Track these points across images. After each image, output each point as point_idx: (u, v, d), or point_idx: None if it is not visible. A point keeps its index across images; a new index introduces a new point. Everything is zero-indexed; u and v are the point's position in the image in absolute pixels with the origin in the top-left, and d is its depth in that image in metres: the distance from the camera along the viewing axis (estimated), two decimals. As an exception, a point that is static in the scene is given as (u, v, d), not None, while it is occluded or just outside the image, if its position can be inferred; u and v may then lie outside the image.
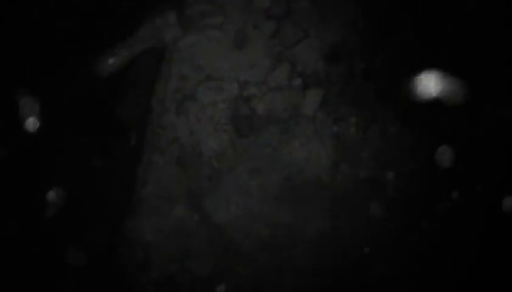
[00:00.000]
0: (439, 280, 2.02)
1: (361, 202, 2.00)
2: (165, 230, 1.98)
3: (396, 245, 2.01)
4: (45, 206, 1.91)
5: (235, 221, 1.98)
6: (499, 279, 2.00)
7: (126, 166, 1.99)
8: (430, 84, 1.90)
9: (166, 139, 1.98)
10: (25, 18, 1.93)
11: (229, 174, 1.98)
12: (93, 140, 1.97)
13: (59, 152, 1.95)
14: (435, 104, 1.92)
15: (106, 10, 1.93)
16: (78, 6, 1.92)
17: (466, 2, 2.00)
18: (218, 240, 1.98)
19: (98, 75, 1.90)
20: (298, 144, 1.99)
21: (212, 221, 1.98)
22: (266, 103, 1.98)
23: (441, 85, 1.88)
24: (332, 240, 2.00)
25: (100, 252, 1.97)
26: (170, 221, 1.98)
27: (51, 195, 1.89)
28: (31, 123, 1.85)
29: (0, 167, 1.93)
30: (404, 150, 2.00)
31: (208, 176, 1.98)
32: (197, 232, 1.98)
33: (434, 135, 2.01)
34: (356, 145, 2.00)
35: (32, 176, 1.95)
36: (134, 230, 1.97)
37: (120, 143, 1.98)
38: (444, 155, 1.95)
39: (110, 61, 1.89)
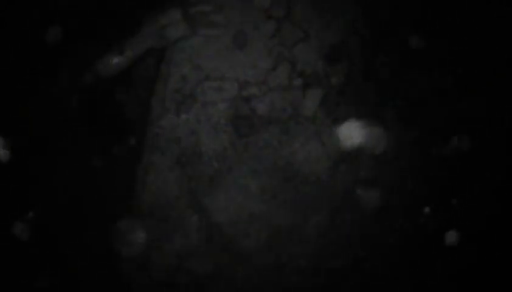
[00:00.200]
0: (440, 280, 2.02)
1: (361, 202, 2.00)
2: (165, 230, 1.98)
3: (396, 245, 2.01)
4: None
5: (235, 221, 1.98)
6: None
7: (126, 166, 1.98)
8: (352, 131, 1.93)
9: (166, 139, 1.98)
10: (24, 17, 1.93)
11: (229, 174, 1.98)
12: (93, 140, 1.97)
13: (59, 152, 1.95)
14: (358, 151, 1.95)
15: (107, 8, 1.93)
16: (78, 5, 1.92)
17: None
18: (218, 240, 1.98)
19: (101, 75, 1.89)
20: (298, 144, 1.99)
21: (212, 221, 1.98)
22: (266, 103, 1.98)
23: (363, 133, 1.92)
24: (332, 240, 2.00)
25: (99, 252, 1.96)
26: (170, 221, 1.98)
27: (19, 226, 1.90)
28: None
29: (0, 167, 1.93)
30: (404, 150, 2.00)
31: (208, 176, 1.98)
32: (197, 232, 1.98)
33: (434, 136, 2.01)
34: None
35: (32, 175, 1.95)
36: (134, 230, 1.97)
37: (120, 143, 1.98)
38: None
39: (114, 60, 1.88)
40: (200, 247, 1.98)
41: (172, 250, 1.98)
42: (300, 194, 1.98)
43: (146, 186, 1.98)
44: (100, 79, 1.90)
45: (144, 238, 1.97)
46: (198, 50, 1.98)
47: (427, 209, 1.97)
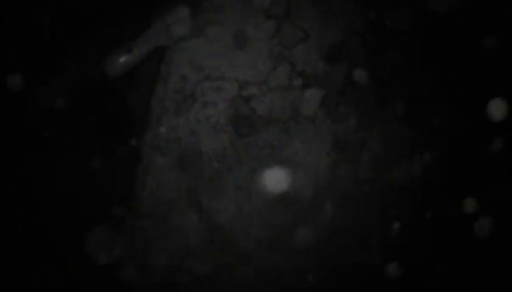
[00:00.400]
0: (440, 279, 2.03)
1: (361, 202, 2.00)
2: (165, 230, 1.98)
3: (396, 245, 2.01)
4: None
5: (235, 221, 1.98)
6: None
7: (126, 166, 1.98)
8: (275, 179, 1.95)
9: (166, 139, 1.98)
10: (26, 16, 1.92)
11: (229, 174, 1.98)
12: (93, 140, 1.97)
13: (59, 152, 1.95)
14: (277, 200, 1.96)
15: (114, 7, 1.92)
16: (87, 2, 1.91)
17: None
18: (218, 240, 1.98)
19: (108, 74, 1.88)
20: (298, 144, 1.99)
21: (212, 221, 1.98)
22: (266, 103, 1.98)
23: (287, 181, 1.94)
24: (332, 240, 2.00)
25: (100, 252, 1.96)
26: (170, 221, 1.98)
27: None
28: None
29: (1, 167, 1.93)
30: (404, 150, 2.00)
31: (208, 176, 1.98)
32: (197, 232, 1.98)
33: (434, 136, 2.01)
34: (356, 145, 2.00)
35: (32, 176, 1.95)
36: (134, 230, 1.97)
37: (120, 143, 1.98)
38: None
39: (122, 59, 1.88)
40: (200, 247, 1.98)
41: (172, 250, 1.98)
42: (299, 194, 1.98)
43: (146, 186, 1.98)
44: (106, 78, 1.90)
45: (144, 237, 1.97)
46: (198, 50, 1.98)
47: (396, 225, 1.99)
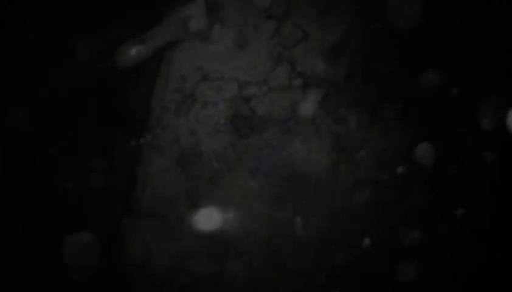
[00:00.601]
0: (440, 279, 2.02)
1: (361, 202, 2.00)
2: (165, 230, 1.98)
3: (396, 245, 2.01)
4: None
5: (234, 221, 1.98)
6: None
7: (126, 166, 1.98)
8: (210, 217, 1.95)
9: (166, 139, 1.98)
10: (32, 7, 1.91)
11: (229, 174, 1.98)
12: (93, 140, 1.97)
13: (59, 152, 1.95)
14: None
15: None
16: None
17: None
18: (218, 240, 1.98)
19: (118, 65, 1.86)
20: (298, 144, 1.99)
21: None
22: (266, 103, 1.98)
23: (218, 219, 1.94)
24: (332, 240, 1.99)
25: (100, 252, 1.96)
26: (170, 221, 1.98)
27: None
28: None
29: (0, 167, 1.93)
30: (404, 150, 2.00)
31: (208, 176, 1.98)
32: (197, 231, 1.98)
33: (433, 135, 2.01)
34: (356, 145, 2.00)
35: (32, 176, 1.95)
36: (134, 230, 1.97)
37: (120, 143, 1.98)
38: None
39: (133, 51, 1.87)
40: (200, 247, 1.98)
41: (172, 250, 1.98)
42: (299, 194, 1.98)
43: (146, 186, 1.98)
44: (113, 75, 1.89)
45: (144, 237, 1.97)
46: (198, 50, 1.98)
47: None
